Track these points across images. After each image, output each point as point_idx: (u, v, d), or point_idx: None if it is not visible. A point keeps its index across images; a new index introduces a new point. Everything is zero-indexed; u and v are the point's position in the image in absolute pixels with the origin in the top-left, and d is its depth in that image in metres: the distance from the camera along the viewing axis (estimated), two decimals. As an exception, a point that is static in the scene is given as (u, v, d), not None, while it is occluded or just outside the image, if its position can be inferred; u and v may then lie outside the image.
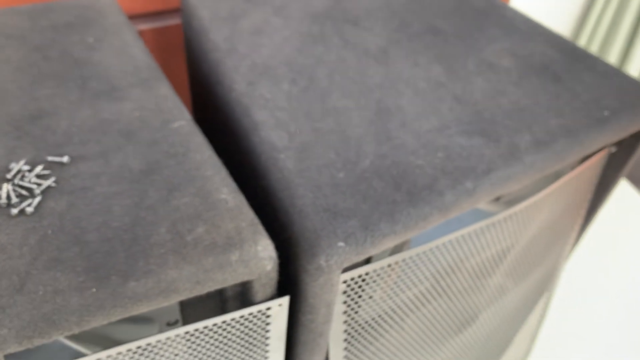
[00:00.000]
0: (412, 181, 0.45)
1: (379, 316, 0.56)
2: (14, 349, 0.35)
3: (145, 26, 0.89)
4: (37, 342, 0.36)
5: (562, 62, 0.59)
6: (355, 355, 0.55)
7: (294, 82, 0.53)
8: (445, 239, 0.50)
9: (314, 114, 0.50)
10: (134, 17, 0.87)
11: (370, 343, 0.58)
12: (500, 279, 0.64)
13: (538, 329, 0.90)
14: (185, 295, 0.39)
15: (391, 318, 0.58)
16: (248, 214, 0.42)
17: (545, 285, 0.77)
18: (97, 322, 0.36)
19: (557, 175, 0.59)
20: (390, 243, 0.43)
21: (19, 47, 0.54)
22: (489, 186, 0.46)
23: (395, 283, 0.55)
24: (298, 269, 0.43)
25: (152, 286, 0.37)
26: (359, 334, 0.54)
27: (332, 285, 0.43)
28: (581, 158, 0.59)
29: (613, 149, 0.61)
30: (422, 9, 0.65)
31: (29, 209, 0.40)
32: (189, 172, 0.44)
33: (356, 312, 0.51)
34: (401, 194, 0.44)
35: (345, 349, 0.52)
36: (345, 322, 0.49)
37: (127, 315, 0.37)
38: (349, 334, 0.51)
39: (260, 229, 0.41)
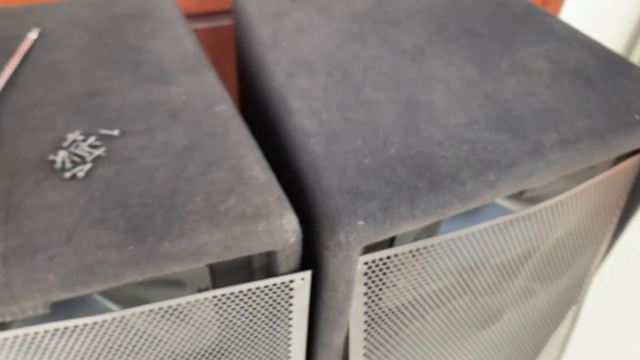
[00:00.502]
0: (435, 170, 0.47)
1: (403, 306, 0.58)
2: (58, 295, 0.39)
3: (200, 25, 0.95)
4: (79, 290, 0.40)
5: (596, 67, 0.59)
6: (377, 341, 0.57)
7: (330, 75, 0.56)
8: (469, 230, 0.51)
9: (347, 105, 0.53)
10: (190, 16, 0.92)
11: (393, 332, 0.60)
12: (526, 280, 0.65)
13: (567, 342, 0.89)
14: (214, 259, 0.42)
15: (414, 309, 0.60)
16: (276, 191, 0.45)
17: (574, 294, 0.76)
18: (132, 277, 0.40)
19: (588, 178, 0.60)
20: (409, 226, 0.45)
21: (83, 34, 0.60)
22: (511, 180, 0.48)
23: (419, 274, 0.57)
24: (320, 245, 0.45)
25: (184, 247, 0.40)
26: (381, 319, 0.56)
27: (351, 263, 0.45)
28: (613, 162, 0.59)
29: (646, 157, 0.61)
30: (462, 13, 0.67)
31: (80, 174, 0.44)
32: (225, 151, 0.47)
33: (378, 297, 0.53)
34: (423, 181, 0.46)
35: (366, 331, 0.54)
36: (365, 303, 0.51)
37: (160, 273, 0.41)
38: (369, 316, 0.53)
39: (287, 204, 0.44)
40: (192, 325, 0.49)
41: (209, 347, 0.54)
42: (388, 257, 0.49)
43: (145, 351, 0.49)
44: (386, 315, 0.58)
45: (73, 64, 0.55)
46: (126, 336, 0.46)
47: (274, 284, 0.46)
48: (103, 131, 0.48)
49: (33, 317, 0.42)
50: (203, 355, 0.53)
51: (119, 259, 0.39)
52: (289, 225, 0.43)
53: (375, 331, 0.57)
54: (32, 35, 0.58)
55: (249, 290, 0.46)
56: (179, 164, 0.46)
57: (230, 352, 0.55)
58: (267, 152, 0.55)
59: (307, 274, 0.47)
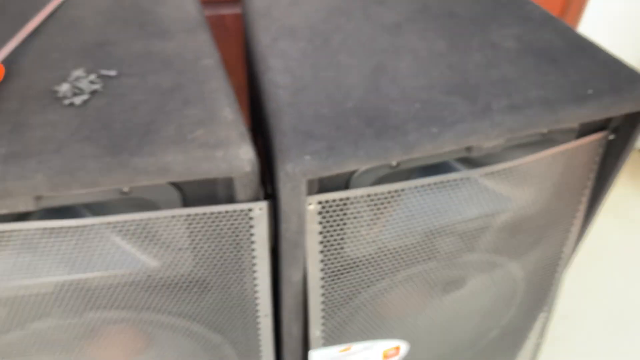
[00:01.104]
0: (383, 121, 0.52)
1: (367, 260, 0.63)
2: (44, 191, 0.47)
3: (227, 11, 1.04)
4: (61, 190, 0.47)
5: (564, 49, 0.63)
6: (337, 287, 0.63)
7: (310, 41, 0.63)
8: (419, 182, 0.56)
9: (319, 66, 0.59)
10: (215, 1, 1.01)
11: (355, 286, 0.65)
12: (490, 250, 0.69)
13: (537, 352, 0.91)
14: (177, 177, 0.49)
15: (378, 266, 0.65)
16: (240, 128, 0.51)
17: (544, 282, 0.79)
18: (106, 183, 0.48)
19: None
20: (352, 166, 0.50)
21: (106, -1, 0.69)
22: (453, 135, 0.52)
23: (380, 229, 0.62)
24: (276, 179, 0.52)
25: (151, 163, 0.48)
26: (344, 268, 0.61)
27: (299, 194, 0.51)
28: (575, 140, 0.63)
29: (611, 136, 0.64)
30: (447, -3, 0.72)
31: (77, 102, 0.52)
32: (203, 94, 0.55)
33: (338, 243, 0.59)
34: (370, 129, 0.52)
35: (323, 270, 0.59)
36: (321, 242, 0.57)
37: (130, 183, 0.48)
38: (327, 257, 0.58)
39: (246, 138, 0.50)
40: (166, 247, 0.57)
41: (186, 275, 0.60)
42: (340, 200, 0.55)
43: (121, 266, 0.56)
44: (349, 265, 0.63)
45: (90, 20, 0.64)
46: (103, 246, 0.54)
47: (234, 210, 0.53)
48: (103, 71, 0.56)
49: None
50: (183, 284, 0.60)
51: (96, 167, 0.47)
52: (245, 155, 0.49)
53: (336, 276, 0.62)
54: (61, -4, 0.68)
55: (212, 213, 0.53)
56: (161, 101, 0.54)
57: (204, 283, 0.62)
58: (253, 105, 0.62)
59: (264, 204, 0.53)
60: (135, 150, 0.48)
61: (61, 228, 0.51)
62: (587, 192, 0.69)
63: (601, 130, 0.63)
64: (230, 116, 0.53)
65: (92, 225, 0.52)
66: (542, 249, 0.73)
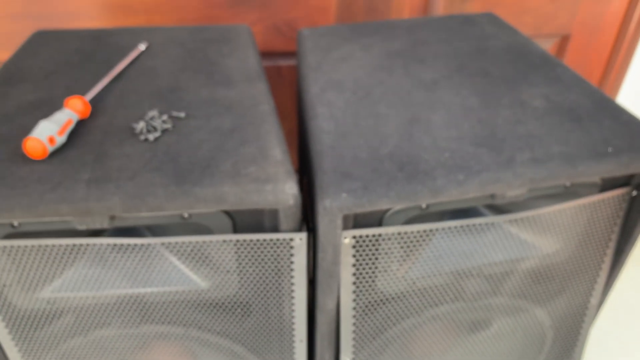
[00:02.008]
0: (414, 167, 0.59)
1: (398, 297, 0.69)
2: (118, 212, 0.55)
3: (284, 63, 1.13)
4: (132, 211, 0.55)
5: (589, 109, 0.68)
6: (365, 313, 0.68)
7: (354, 93, 0.70)
8: (448, 223, 0.62)
9: (360, 115, 0.66)
10: (274, 54, 1.11)
11: (386, 320, 0.70)
12: (515, 294, 0.73)
13: None
14: (230, 206, 0.56)
15: (407, 302, 0.70)
16: (287, 166, 0.59)
17: (570, 333, 0.81)
18: (170, 208, 0.55)
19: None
20: (384, 205, 0.57)
21: (178, 49, 0.79)
22: (478, 182, 0.58)
23: (411, 267, 0.67)
24: (315, 213, 0.58)
25: (209, 193, 0.55)
26: (375, 302, 0.66)
27: (335, 228, 0.57)
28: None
29: (634, 192, 0.68)
30: (482, 58, 0.79)
31: (151, 138, 0.61)
32: (258, 135, 0.62)
33: (370, 277, 0.64)
34: (402, 173, 0.58)
35: (354, 301, 0.65)
36: (354, 274, 0.63)
37: (190, 209, 0.56)
38: (357, 287, 0.64)
39: (292, 176, 0.58)
40: (216, 269, 0.64)
41: (231, 297, 0.67)
42: (373, 236, 0.61)
43: (176, 284, 0.63)
44: (381, 300, 0.68)
45: (165, 69, 0.74)
46: (162, 265, 0.62)
47: (277, 239, 0.60)
48: (174, 113, 0.65)
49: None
50: (227, 305, 0.67)
51: (163, 194, 0.55)
52: (290, 190, 0.57)
53: (367, 309, 0.67)
54: (142, 46, 0.78)
55: (258, 240, 0.60)
56: (221, 140, 0.62)
57: (246, 306, 0.68)
58: (303, 148, 0.69)
59: (304, 235, 0.60)
60: (196, 181, 0.56)
61: (128, 245, 0.59)
62: (612, 245, 0.72)
63: (624, 186, 0.67)
64: (279, 156, 0.60)
65: (155, 244, 0.59)
66: (568, 297, 0.76)
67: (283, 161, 0.60)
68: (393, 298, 0.69)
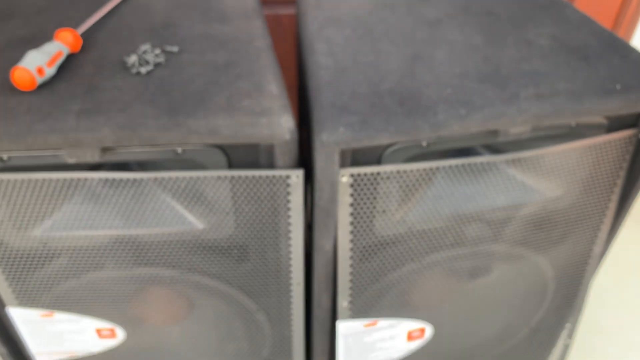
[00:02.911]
0: (415, 102, 0.57)
1: (397, 239, 0.67)
2: (108, 143, 0.54)
3: (284, 11, 1.11)
4: (124, 143, 0.54)
5: (597, 48, 0.66)
6: (363, 255, 0.67)
7: (354, 30, 0.68)
8: (447, 162, 0.60)
9: (360, 51, 0.64)
10: (274, 2, 1.08)
11: (385, 263, 0.69)
12: (517, 243, 0.71)
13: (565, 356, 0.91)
14: (224, 140, 0.55)
15: (407, 247, 0.68)
16: (283, 100, 0.57)
17: (574, 283, 0.80)
18: (162, 140, 0.54)
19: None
20: (383, 139, 0.55)
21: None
22: (480, 117, 0.56)
23: (409, 211, 0.66)
24: (312, 149, 0.57)
25: (203, 125, 0.54)
26: (374, 244, 0.65)
27: (332, 163, 0.56)
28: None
29: (641, 135, 0.66)
30: (489, -2, 0.76)
31: (143, 71, 0.59)
32: (253, 70, 0.60)
33: (368, 217, 0.63)
34: (402, 108, 0.56)
35: (352, 241, 0.64)
36: (351, 214, 0.61)
37: (183, 141, 0.54)
38: (354, 227, 0.63)
39: (288, 110, 0.56)
40: (211, 209, 0.62)
41: (228, 239, 0.66)
42: (371, 174, 0.59)
43: (170, 224, 0.62)
44: (380, 243, 0.67)
45: (159, 5, 0.72)
46: (155, 203, 0.60)
47: (273, 176, 0.58)
48: (167, 47, 0.63)
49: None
50: (224, 247, 0.66)
51: (154, 125, 0.54)
52: (285, 123, 0.55)
53: (366, 251, 0.66)
54: (135, -16, 0.76)
55: (254, 177, 0.58)
56: (215, 75, 0.60)
57: (243, 248, 0.67)
58: (302, 96, 0.67)
59: (301, 172, 0.58)
60: (190, 113, 0.54)
61: (120, 181, 0.58)
62: (617, 190, 0.70)
63: (631, 128, 0.65)
64: (275, 90, 0.58)
65: (148, 179, 0.58)
66: (570, 245, 0.75)
67: (279, 96, 0.58)
68: (391, 242, 0.68)
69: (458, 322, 0.80)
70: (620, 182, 0.70)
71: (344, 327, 0.71)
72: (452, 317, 0.78)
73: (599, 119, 0.64)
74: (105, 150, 0.56)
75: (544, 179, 0.67)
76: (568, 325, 0.89)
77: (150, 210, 0.62)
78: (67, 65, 0.61)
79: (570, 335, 0.88)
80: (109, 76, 0.59)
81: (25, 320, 0.71)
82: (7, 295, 0.68)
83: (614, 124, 0.65)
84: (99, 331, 0.74)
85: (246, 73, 0.60)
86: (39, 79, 0.56)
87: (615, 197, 0.71)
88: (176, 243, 0.66)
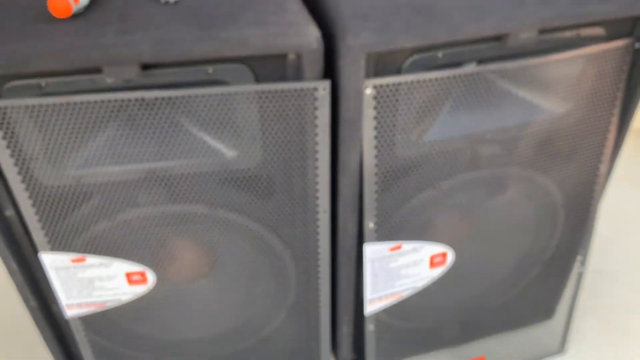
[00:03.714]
0: (431, 11, 0.61)
1: (418, 161, 0.70)
2: (147, 59, 0.56)
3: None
4: (162, 58, 0.57)
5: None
6: (386, 178, 0.69)
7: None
8: (463, 71, 0.64)
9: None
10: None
11: (401, 184, 0.72)
12: (528, 166, 0.75)
13: (575, 300, 0.94)
14: (255, 50, 0.58)
15: (427, 169, 0.71)
16: (306, 17, 0.60)
17: (582, 212, 0.84)
18: (198, 53, 0.57)
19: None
20: (404, 42, 0.59)
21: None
22: (492, 20, 0.60)
23: (427, 129, 0.69)
24: (337, 57, 0.60)
25: (234, 36, 0.57)
26: (390, 155, 0.68)
27: (358, 69, 0.59)
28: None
29: (637, 45, 0.70)
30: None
31: (172, 1, 0.62)
32: (274, -4, 0.64)
33: (390, 133, 0.66)
34: (420, 16, 0.60)
35: (376, 157, 0.67)
36: (375, 128, 0.65)
37: (217, 54, 0.57)
38: (379, 142, 0.66)
39: (312, 23, 0.59)
40: (241, 134, 0.65)
41: (256, 170, 0.68)
42: (393, 85, 0.62)
43: (200, 154, 0.65)
44: (401, 168, 0.70)
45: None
46: (188, 135, 0.63)
47: (301, 89, 0.61)
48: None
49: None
50: (252, 180, 0.68)
51: (190, 38, 0.57)
52: (312, 32, 0.58)
53: (389, 174, 0.69)
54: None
55: (282, 91, 0.61)
56: (238, 1, 0.63)
57: (270, 181, 0.70)
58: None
59: (327, 83, 0.61)
60: (221, 27, 0.58)
61: (156, 101, 0.60)
62: (618, 104, 0.74)
63: (627, 37, 0.70)
64: (297, 8, 0.62)
65: (182, 97, 0.60)
66: (577, 166, 0.79)
67: (302, 12, 0.61)
68: (413, 166, 0.71)
69: (477, 247, 0.82)
70: (620, 94, 0.74)
71: (370, 251, 0.73)
72: (471, 241, 0.81)
73: (599, 31, 0.68)
74: (143, 67, 0.58)
75: (549, 95, 0.71)
76: (579, 258, 0.93)
77: (182, 139, 0.64)
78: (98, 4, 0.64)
79: (583, 263, 0.91)
80: (139, 6, 0.62)
81: (57, 267, 0.73)
82: (40, 239, 0.69)
83: (612, 35, 0.69)
84: (129, 276, 0.76)
85: (264, 3, 0.63)
86: (75, 7, 0.59)
87: (616, 111, 0.75)
88: (206, 175, 0.68)
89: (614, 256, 1.19)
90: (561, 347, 1.00)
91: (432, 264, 0.79)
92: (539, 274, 0.93)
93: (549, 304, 1.02)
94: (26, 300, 0.76)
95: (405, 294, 0.81)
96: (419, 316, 0.90)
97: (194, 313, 0.85)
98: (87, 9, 0.62)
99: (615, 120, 0.76)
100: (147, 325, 0.84)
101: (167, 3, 0.62)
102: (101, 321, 0.81)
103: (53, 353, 0.84)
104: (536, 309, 1.01)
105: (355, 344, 0.93)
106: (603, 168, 0.81)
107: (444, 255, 0.79)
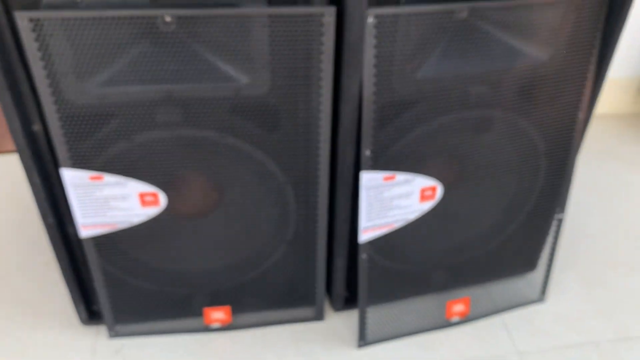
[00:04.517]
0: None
1: (408, 102, 0.77)
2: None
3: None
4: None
5: None
6: (383, 111, 0.76)
7: None
8: (453, 6, 0.71)
9: None
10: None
11: (397, 120, 0.78)
12: (511, 109, 0.82)
13: (554, 252, 1.01)
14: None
15: (417, 107, 0.78)
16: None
17: (562, 160, 0.91)
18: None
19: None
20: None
21: None
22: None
23: (421, 65, 0.76)
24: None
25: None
26: (387, 93, 0.75)
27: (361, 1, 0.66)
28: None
29: (612, -4, 0.78)
30: None
31: None
32: None
33: (384, 53, 0.73)
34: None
35: (375, 84, 0.73)
36: (375, 56, 0.71)
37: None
38: (378, 70, 0.72)
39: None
40: (251, 60, 0.71)
41: (264, 98, 0.75)
42: (392, 16, 0.69)
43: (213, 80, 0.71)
44: (397, 104, 0.77)
45: None
46: (204, 59, 0.69)
47: (310, 14, 0.68)
48: None
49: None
50: (260, 108, 0.74)
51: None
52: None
53: (385, 108, 0.76)
54: None
55: (292, 15, 0.68)
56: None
57: (277, 111, 0.76)
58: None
59: (333, 10, 0.68)
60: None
61: (179, 18, 0.67)
62: (595, 52, 0.82)
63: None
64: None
65: (201, 16, 0.67)
66: (557, 112, 0.86)
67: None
68: (408, 102, 0.78)
69: (465, 186, 0.89)
70: (597, 42, 0.81)
71: (366, 179, 0.80)
72: (459, 179, 0.88)
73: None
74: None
75: (532, 40, 0.78)
76: (558, 210, 1.00)
77: (199, 63, 0.71)
78: None
79: (562, 210, 0.98)
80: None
81: (76, 185, 0.78)
82: (63, 154, 0.75)
83: (590, -15, 0.77)
84: (142, 197, 0.82)
85: None
86: None
87: (594, 59, 0.83)
88: (219, 101, 0.74)
89: (592, 218, 1.27)
90: (542, 296, 1.06)
91: (423, 197, 0.86)
92: (522, 225, 1.00)
93: (531, 256, 1.09)
94: (44, 217, 0.82)
95: (397, 225, 0.87)
96: (410, 258, 0.96)
97: (199, 243, 0.91)
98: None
99: (592, 68, 0.83)
100: (151, 254, 0.90)
101: None
102: (111, 246, 0.86)
103: (64, 272, 0.89)
104: (519, 261, 1.08)
105: (348, 283, 0.99)
106: (581, 115, 0.88)
107: (433, 189, 0.86)
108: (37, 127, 0.75)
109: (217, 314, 0.98)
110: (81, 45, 0.67)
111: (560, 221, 0.99)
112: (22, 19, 0.64)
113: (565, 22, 0.77)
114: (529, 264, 1.09)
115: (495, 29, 0.76)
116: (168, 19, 0.67)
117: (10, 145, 1.50)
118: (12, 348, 0.95)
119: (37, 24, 0.65)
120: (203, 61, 0.71)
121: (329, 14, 0.68)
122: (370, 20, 0.69)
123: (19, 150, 0.75)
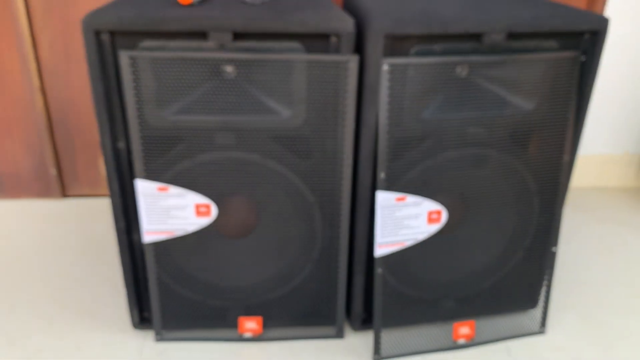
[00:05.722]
0: (431, 13, 0.89)
1: (415, 138, 0.96)
2: (239, 28, 0.86)
3: None
4: (250, 27, 0.86)
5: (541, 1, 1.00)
6: (395, 147, 0.95)
7: (387, -4, 1.03)
8: (453, 59, 0.91)
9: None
10: None
11: (406, 152, 0.96)
12: (505, 151, 0.99)
13: (550, 286, 1.12)
14: (310, 29, 0.86)
15: (423, 144, 0.97)
16: (342, 13, 0.90)
17: (552, 197, 1.06)
18: (272, 27, 0.86)
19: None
20: (412, 29, 0.87)
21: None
22: (471, 20, 0.88)
23: (427, 106, 0.95)
24: (364, 41, 0.88)
25: (298, 19, 0.86)
26: (399, 114, 0.94)
27: (377, 46, 0.87)
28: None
29: (583, 58, 0.97)
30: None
31: (257, 3, 0.93)
32: (321, 5, 0.94)
33: (396, 94, 0.92)
34: (422, 15, 0.89)
35: (388, 117, 0.92)
36: (389, 95, 0.91)
37: (282, 28, 0.86)
38: (390, 106, 0.92)
39: (348, 16, 0.88)
40: (291, 96, 0.92)
41: (300, 130, 0.95)
42: (402, 65, 0.90)
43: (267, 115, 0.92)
44: (407, 139, 0.95)
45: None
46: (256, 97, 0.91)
47: (339, 61, 0.89)
48: (267, -4, 0.98)
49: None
50: (296, 138, 0.94)
51: (269, 17, 0.86)
52: (349, 21, 0.87)
53: (397, 144, 0.94)
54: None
55: (325, 61, 0.89)
56: (300, 4, 0.93)
57: (309, 140, 0.96)
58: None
59: (356, 58, 0.89)
60: (289, 13, 0.87)
61: (240, 62, 0.88)
62: (573, 104, 1.00)
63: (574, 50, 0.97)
64: (338, 8, 0.91)
65: (256, 60, 0.88)
66: (545, 154, 1.03)
67: (338, 9, 0.91)
68: (416, 139, 0.96)
69: (468, 215, 1.04)
70: (574, 96, 1.00)
71: (381, 198, 0.97)
72: (462, 208, 1.03)
73: (553, 44, 0.95)
74: (234, 36, 0.87)
75: (518, 92, 0.97)
76: (552, 243, 1.13)
77: (251, 99, 0.92)
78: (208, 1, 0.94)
79: (555, 244, 1.11)
80: (235, 5, 0.93)
81: (146, 194, 0.97)
82: (139, 167, 0.95)
83: (564, 48, 0.96)
84: (197, 207, 1.00)
85: (318, 5, 0.94)
86: (195, 0, 0.90)
87: (572, 110, 1.01)
88: (264, 130, 0.94)
89: (594, 269, 1.38)
90: (542, 328, 1.17)
91: (430, 219, 1.02)
92: (522, 259, 1.13)
93: (532, 293, 1.20)
94: (116, 220, 1.01)
95: (408, 244, 1.02)
96: (420, 284, 1.10)
97: (239, 260, 1.07)
98: (200, 4, 0.92)
99: (572, 117, 1.01)
100: (199, 267, 1.07)
101: (253, 5, 0.93)
102: (165, 255, 1.04)
103: (125, 276, 1.06)
104: (521, 297, 1.20)
105: (366, 304, 1.13)
106: (566, 157, 1.04)
107: (439, 212, 1.02)
108: (121, 144, 0.96)
109: (250, 324, 1.12)
110: (164, 80, 0.89)
111: (554, 254, 1.12)
112: (124, 57, 0.87)
113: (546, 77, 0.96)
114: (530, 301, 1.21)
115: (485, 79, 0.95)
116: (229, 69, 0.88)
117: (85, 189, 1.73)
118: (70, 346, 1.11)
119: (134, 61, 0.87)
120: (253, 97, 0.92)
121: (354, 61, 0.89)
122: (385, 67, 0.89)
123: (106, 162, 0.95)
